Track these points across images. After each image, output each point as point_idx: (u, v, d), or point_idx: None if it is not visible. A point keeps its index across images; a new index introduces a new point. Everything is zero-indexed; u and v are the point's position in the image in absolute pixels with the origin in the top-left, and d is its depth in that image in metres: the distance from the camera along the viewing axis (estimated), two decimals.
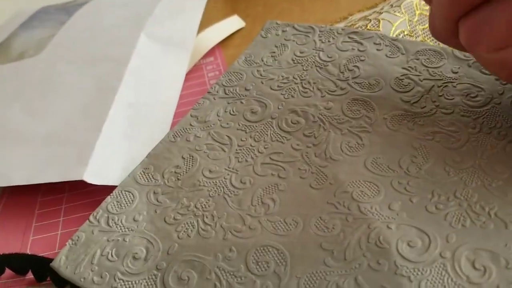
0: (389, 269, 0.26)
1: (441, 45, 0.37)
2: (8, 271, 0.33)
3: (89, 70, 0.45)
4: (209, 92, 0.39)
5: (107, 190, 0.35)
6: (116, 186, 0.35)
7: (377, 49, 0.38)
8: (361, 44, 0.39)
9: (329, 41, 0.40)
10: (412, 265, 0.26)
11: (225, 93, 0.39)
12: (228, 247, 0.29)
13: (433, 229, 0.28)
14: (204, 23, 0.51)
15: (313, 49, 0.40)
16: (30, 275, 0.33)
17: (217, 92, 0.39)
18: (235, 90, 0.39)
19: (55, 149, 0.39)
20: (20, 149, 0.40)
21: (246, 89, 0.39)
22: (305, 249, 0.28)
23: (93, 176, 0.35)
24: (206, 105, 0.38)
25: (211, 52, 0.50)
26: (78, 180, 0.35)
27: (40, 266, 0.31)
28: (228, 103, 0.38)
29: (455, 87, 0.34)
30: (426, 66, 0.36)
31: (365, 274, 0.27)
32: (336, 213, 0.29)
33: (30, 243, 0.36)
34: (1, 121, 0.43)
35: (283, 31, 0.43)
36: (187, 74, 0.47)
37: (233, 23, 0.53)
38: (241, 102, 0.38)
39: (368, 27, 0.42)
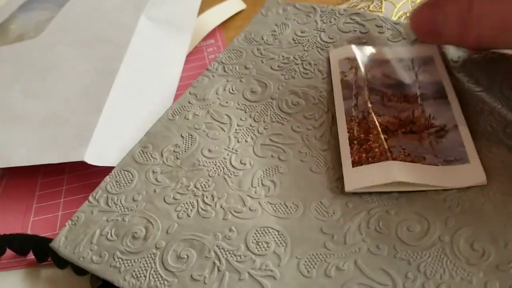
0: (389, 253, 0.26)
1: None
2: (9, 252, 0.33)
3: (89, 52, 0.45)
4: (208, 70, 0.39)
5: (108, 171, 0.34)
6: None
7: (379, 32, 0.38)
8: (363, 26, 0.38)
9: (330, 22, 0.39)
10: (411, 249, 0.26)
11: (224, 71, 0.38)
12: (228, 227, 0.29)
13: (433, 213, 0.27)
14: (205, 5, 0.50)
15: (314, 30, 0.39)
16: (31, 256, 0.32)
17: (216, 69, 0.39)
18: (235, 68, 0.38)
19: (55, 131, 0.38)
20: (20, 131, 0.39)
21: (246, 68, 0.38)
22: (305, 232, 0.28)
23: (93, 157, 0.35)
24: (205, 83, 0.38)
25: (211, 34, 0.50)
26: (79, 162, 0.35)
27: (40, 246, 0.31)
28: (228, 81, 0.38)
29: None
30: None
31: (365, 258, 0.26)
32: (336, 198, 0.29)
33: (31, 224, 0.36)
34: (1, 103, 0.43)
35: (283, 10, 0.42)
36: (187, 56, 0.46)
37: (234, 5, 0.52)
38: (241, 81, 0.37)
39: (370, 8, 0.41)
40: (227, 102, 0.36)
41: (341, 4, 0.46)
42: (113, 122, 0.38)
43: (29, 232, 0.35)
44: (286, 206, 0.29)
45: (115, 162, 0.35)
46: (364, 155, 0.29)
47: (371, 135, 0.30)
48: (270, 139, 0.33)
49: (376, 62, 0.34)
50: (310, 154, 0.32)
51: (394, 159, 0.28)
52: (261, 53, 0.39)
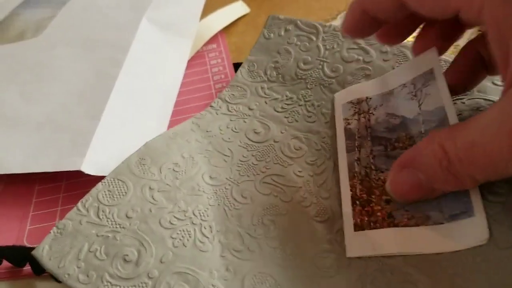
0: None
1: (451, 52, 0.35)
2: (5, 263, 0.32)
3: (89, 55, 0.44)
4: (211, 106, 0.38)
5: None
6: None
7: (384, 59, 0.36)
8: (367, 53, 0.37)
9: (333, 48, 0.38)
10: None
11: (228, 110, 0.37)
12: (225, 266, 0.28)
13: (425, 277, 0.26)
14: (208, 8, 0.49)
15: (317, 59, 0.38)
16: (28, 267, 0.32)
17: (220, 107, 0.38)
18: (239, 109, 0.37)
19: (52, 136, 0.37)
20: (15, 135, 0.38)
21: (249, 109, 0.37)
22: (303, 286, 0.27)
23: (91, 166, 0.34)
24: (208, 118, 0.37)
25: (214, 38, 0.49)
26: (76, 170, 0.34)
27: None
28: (231, 120, 0.37)
29: (463, 103, 0.32)
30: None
31: None
32: (334, 252, 0.29)
33: (27, 232, 0.35)
34: None
35: (285, 30, 0.40)
36: (188, 61, 0.45)
37: (237, 9, 0.51)
38: (244, 121, 0.36)
39: None
40: (229, 138, 0.35)
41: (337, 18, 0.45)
42: (112, 130, 0.37)
43: (25, 240, 0.34)
44: (285, 252, 0.29)
45: None
46: (366, 219, 0.28)
47: (373, 196, 0.29)
48: (271, 178, 0.32)
49: (379, 98, 0.33)
50: (311, 201, 0.31)
51: (396, 225, 0.27)
52: (265, 93, 0.38)
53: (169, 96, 0.41)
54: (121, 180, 0.32)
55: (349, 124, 0.33)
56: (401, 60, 0.35)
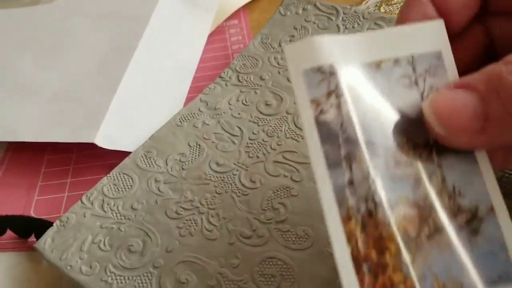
0: None
1: None
2: (10, 233, 0.31)
3: (107, 27, 0.42)
4: (220, 77, 0.36)
5: (119, 155, 0.32)
6: (129, 152, 0.32)
7: None
8: None
9: (353, 27, 0.36)
10: None
11: (238, 80, 0.35)
12: (234, 253, 0.26)
13: None
14: None
15: None
16: (32, 239, 0.31)
17: (230, 78, 0.36)
18: (250, 78, 0.35)
19: (67, 107, 0.36)
20: (29, 104, 0.37)
21: (261, 78, 0.35)
22: (315, 268, 0.26)
23: (104, 140, 0.33)
24: (217, 91, 0.35)
25: (235, 14, 0.47)
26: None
27: (44, 230, 0.29)
28: (241, 91, 0.35)
29: None
30: None
31: None
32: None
33: (34, 203, 0.34)
34: (12, 72, 0.41)
35: (303, 9, 0.38)
36: (208, 37, 0.43)
37: None
38: (255, 92, 0.34)
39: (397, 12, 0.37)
40: (239, 114, 0.33)
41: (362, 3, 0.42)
42: (126, 104, 0.36)
43: (32, 211, 0.33)
44: (296, 235, 0.27)
45: (127, 146, 0.33)
46: None
47: (387, 255, 0.18)
48: (283, 156, 0.30)
49: (363, 72, 0.21)
50: None
51: None
52: (278, 63, 0.36)
53: (187, 71, 0.40)
54: (126, 174, 0.31)
55: (323, 112, 0.20)
56: None
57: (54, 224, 0.29)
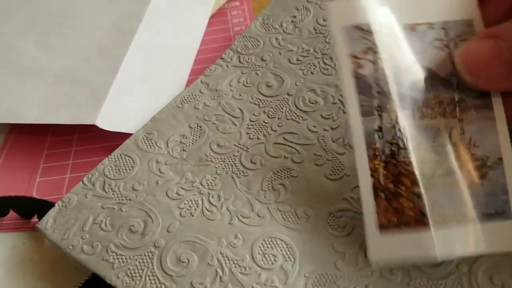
0: (402, 280, 0.24)
1: None
2: (13, 214, 0.31)
3: (109, 7, 0.42)
4: (222, 58, 0.36)
5: (121, 137, 0.32)
6: (131, 134, 0.32)
7: None
8: None
9: None
10: (426, 277, 0.24)
11: (240, 62, 0.35)
12: (234, 233, 0.26)
13: None
14: None
15: None
16: (35, 220, 0.31)
17: (231, 59, 0.35)
18: (251, 60, 0.35)
19: (68, 89, 0.36)
20: (32, 85, 0.37)
21: (262, 60, 0.35)
22: (316, 248, 0.26)
23: (106, 121, 0.33)
24: (218, 73, 0.35)
25: None
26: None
27: (46, 210, 0.29)
28: (242, 73, 0.34)
29: None
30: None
31: (377, 283, 0.24)
32: (350, 210, 0.27)
33: (37, 184, 0.34)
34: (15, 53, 0.40)
35: None
36: (210, 19, 0.43)
37: None
38: (256, 74, 0.34)
39: None
40: (240, 95, 0.33)
41: None
42: (128, 85, 0.36)
43: (34, 192, 0.33)
44: (297, 215, 0.27)
45: (129, 128, 0.33)
46: (394, 219, 0.23)
47: (402, 188, 0.23)
48: (284, 137, 0.30)
49: (398, 31, 0.24)
50: (326, 158, 0.29)
51: (430, 225, 0.23)
52: (279, 44, 0.35)
53: (188, 53, 0.40)
54: (127, 156, 0.31)
55: (360, 67, 0.24)
56: None
57: (56, 205, 0.29)
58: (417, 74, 0.24)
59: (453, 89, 0.24)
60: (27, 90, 0.37)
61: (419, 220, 0.23)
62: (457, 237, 0.23)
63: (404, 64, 0.24)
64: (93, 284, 0.27)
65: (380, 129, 0.23)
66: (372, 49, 0.24)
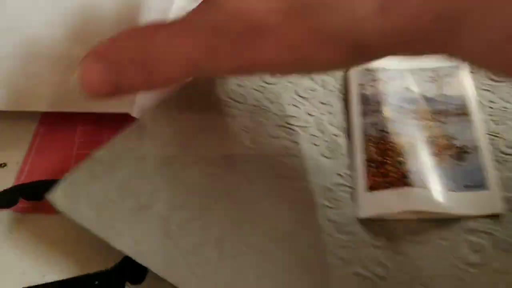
0: (389, 246, 0.26)
1: None
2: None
3: None
4: None
5: None
6: None
7: None
8: None
9: None
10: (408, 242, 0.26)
11: None
12: (236, 206, 0.28)
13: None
14: None
15: None
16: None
17: None
18: None
19: None
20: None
21: None
22: (311, 217, 0.27)
23: (140, 111, 0.33)
24: None
25: None
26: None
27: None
28: None
29: None
30: None
31: (366, 250, 0.26)
32: (344, 185, 0.29)
33: None
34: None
35: None
36: None
37: None
38: None
39: None
40: (243, 83, 0.34)
41: None
42: None
43: None
44: (293, 189, 0.29)
45: None
46: (380, 180, 0.28)
47: (388, 158, 0.28)
48: (284, 121, 0.32)
49: (397, 73, 0.33)
50: (322, 139, 0.31)
51: (411, 185, 0.27)
52: None
53: None
54: (135, 134, 0.31)
55: (364, 89, 0.32)
56: None
57: (64, 176, 0.29)
58: (412, 95, 0.31)
59: (437, 104, 0.31)
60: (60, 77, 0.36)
61: (401, 180, 0.27)
62: (437, 197, 0.27)
63: (402, 89, 0.32)
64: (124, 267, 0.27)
65: (375, 123, 0.30)
66: (374, 81, 0.32)
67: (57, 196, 0.29)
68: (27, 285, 0.27)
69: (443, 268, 0.25)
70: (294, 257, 0.26)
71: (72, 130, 0.37)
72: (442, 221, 0.26)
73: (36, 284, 0.27)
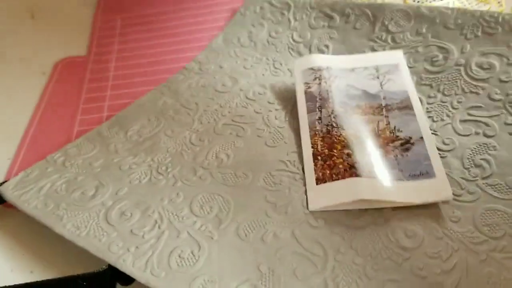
0: (325, 227, 0.26)
1: (409, 1, 0.36)
2: None
3: None
4: (185, 68, 0.39)
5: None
6: None
7: (345, 22, 0.37)
8: (332, 18, 0.38)
9: (302, 18, 0.39)
10: (346, 226, 0.26)
11: (200, 70, 0.38)
12: (176, 192, 0.28)
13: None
14: None
15: (288, 29, 0.39)
16: None
17: (193, 68, 0.38)
18: (210, 67, 0.38)
19: None
20: None
21: (220, 67, 0.38)
22: (249, 199, 0.27)
23: None
24: (179, 78, 0.38)
25: None
26: None
27: None
28: (201, 77, 0.37)
29: (418, 51, 0.34)
30: (392, 32, 0.35)
31: (302, 229, 0.26)
32: (285, 170, 0.29)
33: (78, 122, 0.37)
34: None
35: (261, 8, 0.41)
36: None
37: None
38: (214, 77, 0.37)
39: None
40: (198, 93, 0.36)
41: None
42: None
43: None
44: (236, 175, 0.29)
45: None
46: (328, 172, 0.28)
47: (335, 151, 0.29)
48: (232, 120, 0.33)
49: (340, 71, 0.34)
50: (267, 131, 0.31)
51: (359, 175, 0.27)
52: (236, 55, 0.39)
53: None
54: (89, 141, 0.33)
55: (309, 87, 0.33)
56: (363, 21, 0.37)
57: (20, 174, 0.30)
58: (354, 91, 0.32)
59: (380, 99, 0.31)
60: None
61: (348, 170, 0.27)
62: (385, 186, 0.27)
63: (344, 86, 0.33)
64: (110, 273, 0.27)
65: (319, 119, 0.31)
66: (318, 78, 0.33)
67: (6, 188, 0.30)
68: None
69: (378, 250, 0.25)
70: (236, 239, 0.26)
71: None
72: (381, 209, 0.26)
73: (25, 282, 0.26)
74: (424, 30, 0.34)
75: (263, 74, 0.36)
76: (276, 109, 0.33)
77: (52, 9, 0.50)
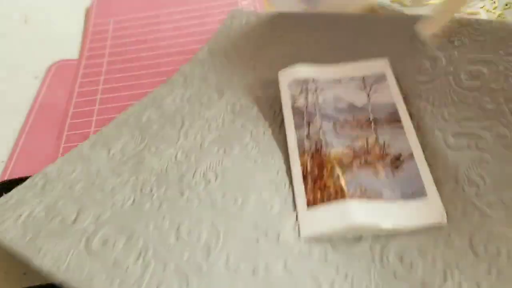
0: (319, 256, 0.25)
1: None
2: None
3: None
4: (170, 80, 0.37)
5: None
6: None
7: None
8: None
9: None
10: (341, 253, 0.25)
11: (185, 82, 0.36)
12: (162, 216, 0.27)
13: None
14: None
15: (275, 39, 0.38)
16: None
17: (177, 80, 0.37)
18: (196, 81, 0.36)
19: None
20: None
21: (205, 81, 0.36)
22: (239, 225, 0.26)
23: None
24: (163, 92, 0.36)
25: None
26: None
27: None
28: (186, 90, 0.36)
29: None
30: None
31: (295, 259, 0.25)
32: (275, 191, 0.28)
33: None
34: None
35: (247, 21, 0.40)
36: None
37: None
38: (199, 90, 0.35)
39: None
40: (183, 107, 0.34)
41: None
42: None
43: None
44: (224, 198, 0.27)
45: None
46: (319, 194, 0.27)
47: (325, 170, 0.28)
48: (219, 135, 0.31)
49: (327, 82, 0.33)
50: (257, 147, 0.30)
51: (350, 197, 0.26)
52: (222, 66, 0.37)
53: None
54: (69, 163, 0.31)
55: (295, 102, 0.32)
56: None
57: None
58: (342, 103, 0.32)
59: (368, 113, 0.31)
60: None
61: (338, 193, 0.27)
62: (374, 209, 0.26)
63: (330, 98, 0.32)
64: None
65: (308, 135, 0.30)
66: (304, 92, 0.32)
67: None
68: None
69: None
70: (226, 272, 0.24)
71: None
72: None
73: None
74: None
75: (250, 87, 0.35)
76: (263, 124, 0.32)
77: (45, 13, 0.49)
